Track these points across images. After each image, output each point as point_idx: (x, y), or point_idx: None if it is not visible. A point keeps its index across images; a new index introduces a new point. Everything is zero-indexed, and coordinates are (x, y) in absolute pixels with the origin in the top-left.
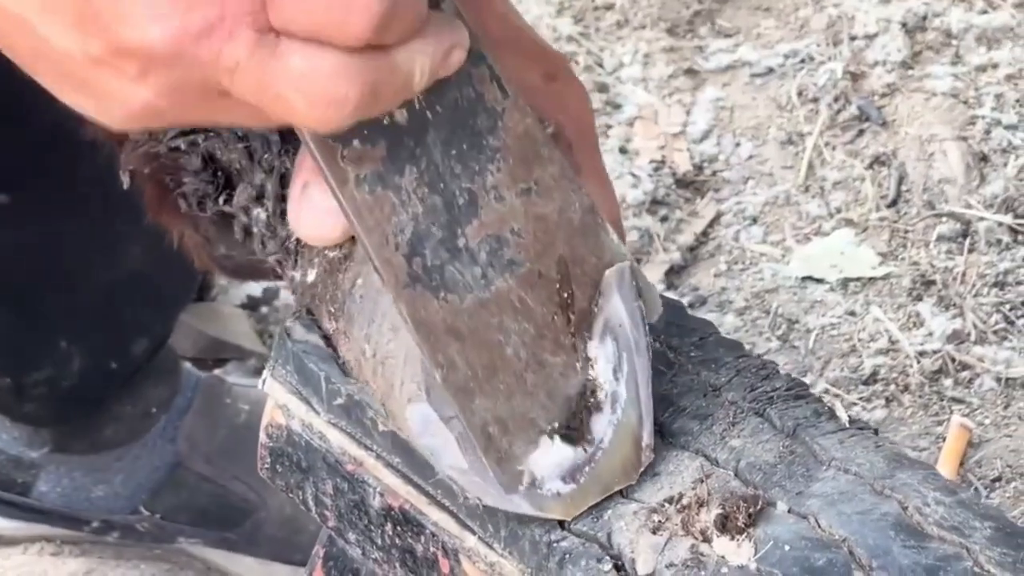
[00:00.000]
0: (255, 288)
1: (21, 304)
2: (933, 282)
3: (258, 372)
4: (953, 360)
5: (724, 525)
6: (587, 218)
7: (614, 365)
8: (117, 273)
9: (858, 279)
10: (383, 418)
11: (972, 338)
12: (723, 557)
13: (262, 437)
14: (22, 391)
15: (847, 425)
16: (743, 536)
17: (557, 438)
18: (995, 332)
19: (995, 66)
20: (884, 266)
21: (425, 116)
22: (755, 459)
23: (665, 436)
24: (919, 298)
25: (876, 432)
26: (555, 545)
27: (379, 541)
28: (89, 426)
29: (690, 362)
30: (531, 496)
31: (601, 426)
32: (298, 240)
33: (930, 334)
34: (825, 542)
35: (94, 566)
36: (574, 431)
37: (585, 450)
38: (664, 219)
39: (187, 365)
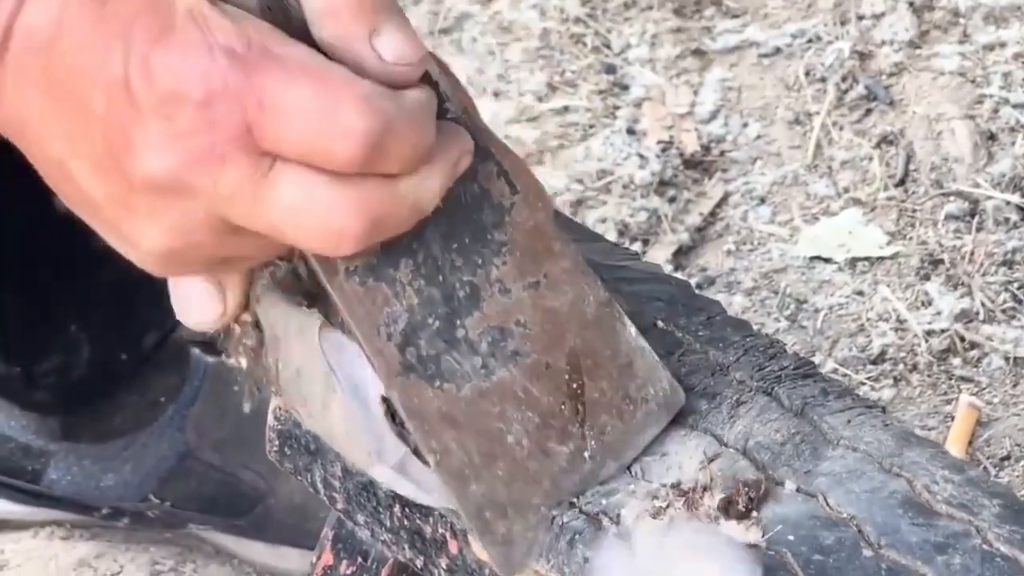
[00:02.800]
0: None
1: (33, 292)
2: (941, 261)
3: None
4: (962, 339)
5: (727, 510)
6: (602, 311)
7: None
8: (130, 265)
9: (866, 259)
10: None
11: (980, 317)
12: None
13: (270, 420)
14: (32, 380)
15: (855, 404)
16: (749, 521)
17: None
18: (1003, 311)
19: (1003, 45)
20: (892, 245)
21: None
22: (763, 438)
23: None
24: (927, 277)
25: (884, 410)
26: (566, 525)
27: (388, 523)
28: (97, 415)
29: (698, 341)
30: None
31: None
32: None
33: (938, 313)
34: (834, 520)
35: (104, 550)
36: None
37: None
38: (672, 200)
39: (196, 351)
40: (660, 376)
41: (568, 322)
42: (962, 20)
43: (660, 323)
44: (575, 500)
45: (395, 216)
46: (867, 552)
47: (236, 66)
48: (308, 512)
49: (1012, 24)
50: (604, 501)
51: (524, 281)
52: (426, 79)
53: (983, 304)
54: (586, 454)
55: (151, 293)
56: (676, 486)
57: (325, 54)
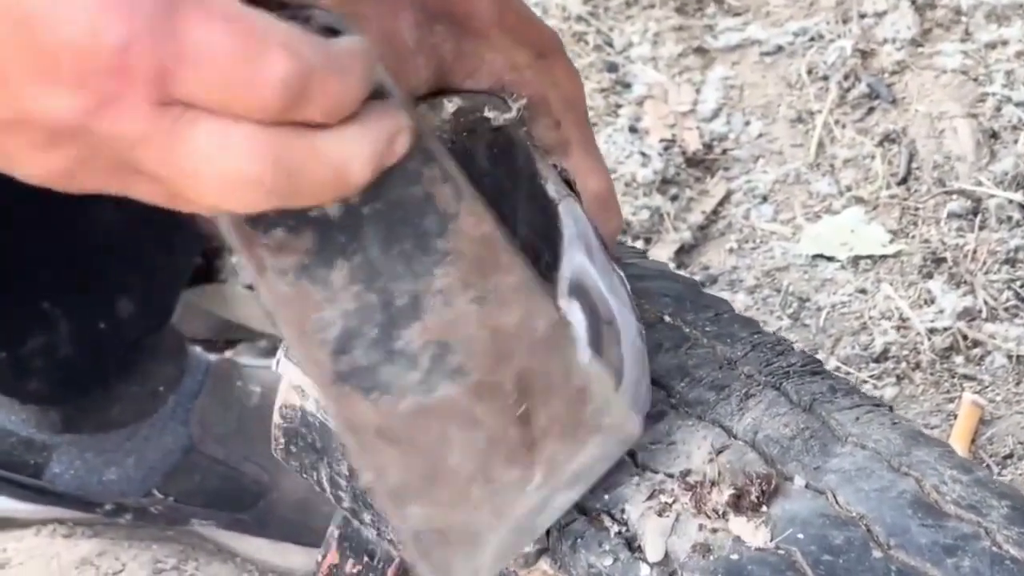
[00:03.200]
0: None
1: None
2: (944, 259)
3: (268, 353)
4: (964, 337)
5: (737, 504)
6: (554, 332)
7: (587, 326)
8: (92, 231)
9: (868, 257)
10: None
11: (983, 315)
12: (738, 538)
13: (276, 418)
14: (20, 364)
15: (862, 402)
16: (759, 516)
17: None
18: (1006, 309)
19: (1005, 43)
20: (895, 244)
21: (360, 212)
22: (772, 432)
23: (680, 406)
24: (930, 275)
25: (891, 409)
26: (567, 528)
27: None
28: (96, 405)
29: (705, 336)
30: None
31: None
32: None
33: (941, 311)
34: (843, 520)
35: (106, 548)
36: None
37: None
38: (674, 198)
39: (197, 348)
40: (617, 404)
41: (516, 341)
42: (964, 18)
43: (667, 318)
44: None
45: (314, 173)
46: (877, 553)
47: (157, 9)
48: (311, 507)
49: (1014, 22)
50: (606, 496)
51: (469, 294)
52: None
53: (986, 302)
54: (535, 482)
55: (113, 257)
56: (683, 478)
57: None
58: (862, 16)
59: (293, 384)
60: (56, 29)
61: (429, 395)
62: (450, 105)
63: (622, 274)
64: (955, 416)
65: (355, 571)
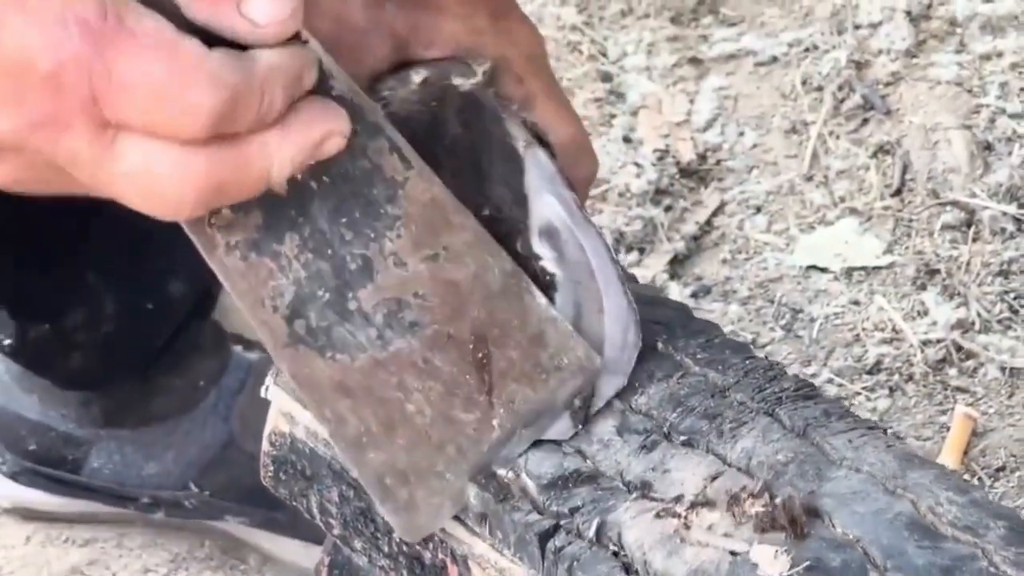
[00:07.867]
0: None
1: (43, 243)
2: (937, 271)
3: None
4: (958, 349)
5: (772, 522)
6: (508, 282)
7: (557, 267)
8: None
9: (862, 268)
10: None
11: (976, 327)
12: (756, 566)
13: (265, 445)
14: (63, 338)
15: (857, 425)
16: (783, 545)
17: None
18: (999, 321)
19: (1000, 54)
20: (888, 255)
21: (308, 186)
22: (766, 458)
23: (673, 435)
24: (923, 287)
25: (885, 432)
26: (562, 551)
27: (386, 548)
28: (137, 398)
29: (697, 364)
30: None
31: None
32: None
33: (934, 323)
34: (839, 542)
35: (96, 556)
36: None
37: None
38: (668, 208)
39: (238, 348)
40: (574, 344)
41: (470, 293)
42: (959, 29)
43: (660, 345)
44: (569, 519)
45: (239, 183)
46: (873, 575)
47: (88, 39)
48: None
49: (1009, 34)
50: (602, 521)
51: (421, 254)
52: (304, 49)
53: (979, 314)
54: (495, 422)
55: (162, 234)
56: (678, 502)
57: (205, 31)
58: (857, 27)
59: (282, 411)
60: None
61: (385, 349)
62: (416, 76)
63: (600, 231)
64: (948, 428)
65: None
